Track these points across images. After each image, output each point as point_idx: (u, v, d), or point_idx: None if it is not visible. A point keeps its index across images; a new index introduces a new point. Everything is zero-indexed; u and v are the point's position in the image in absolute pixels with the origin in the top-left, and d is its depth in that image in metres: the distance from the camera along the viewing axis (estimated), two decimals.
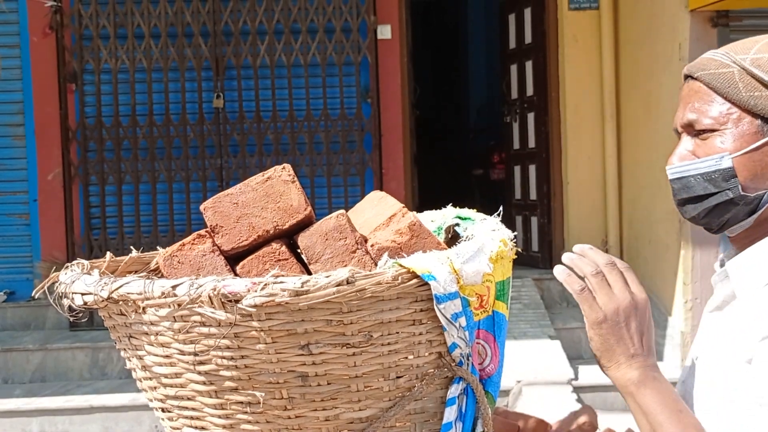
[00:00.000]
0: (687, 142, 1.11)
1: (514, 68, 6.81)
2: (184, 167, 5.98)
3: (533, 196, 6.55)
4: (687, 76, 1.14)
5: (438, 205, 1.29)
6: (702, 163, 1.07)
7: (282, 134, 5.98)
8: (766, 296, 1.01)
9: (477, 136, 9.57)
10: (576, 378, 4.81)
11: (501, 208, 1.09)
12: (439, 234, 1.17)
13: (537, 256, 6.44)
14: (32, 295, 1.01)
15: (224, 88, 5.98)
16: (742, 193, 1.04)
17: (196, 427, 0.91)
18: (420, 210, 1.22)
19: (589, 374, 4.95)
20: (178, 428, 0.94)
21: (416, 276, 0.84)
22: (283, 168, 0.97)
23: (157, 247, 1.07)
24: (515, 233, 1.07)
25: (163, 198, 6.00)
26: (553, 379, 4.73)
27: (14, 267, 6.07)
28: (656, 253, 5.42)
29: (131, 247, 1.19)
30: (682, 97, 1.14)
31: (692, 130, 1.10)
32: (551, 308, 5.81)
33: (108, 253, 1.10)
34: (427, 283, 0.85)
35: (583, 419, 1.18)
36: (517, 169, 6.80)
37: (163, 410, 0.95)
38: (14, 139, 6.08)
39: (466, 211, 1.18)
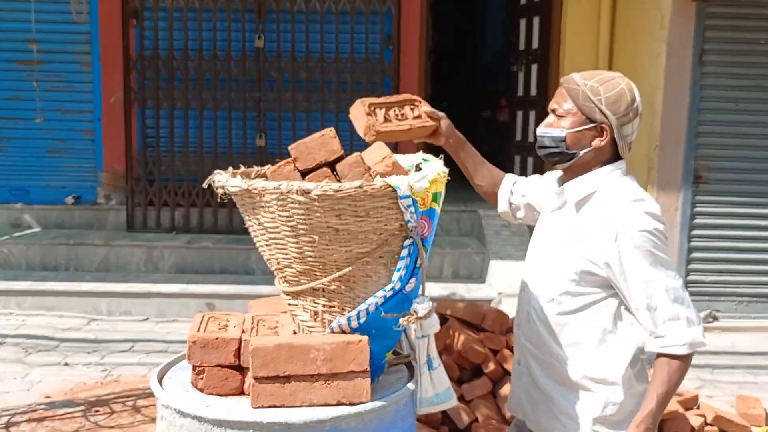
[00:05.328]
0: (550, 117, 2.06)
1: (523, 22, 7.54)
2: (227, 98, 6.90)
3: (531, 138, 7.39)
4: (560, 84, 2.08)
5: None
6: (552, 131, 2.02)
7: (313, 74, 6.84)
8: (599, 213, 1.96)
9: (490, 78, 10.34)
10: None
11: (442, 156, 2.04)
12: (412, 167, 2.13)
13: None
14: (202, 185, 1.96)
15: (265, 30, 6.83)
16: (566, 150, 2.00)
17: (283, 253, 1.89)
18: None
19: None
20: (273, 254, 1.92)
21: (390, 186, 1.80)
22: (330, 130, 1.92)
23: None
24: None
25: (209, 123, 6.94)
26: None
27: (81, 176, 7.14)
28: None
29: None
30: (555, 94, 2.08)
31: (554, 112, 2.05)
32: None
33: (230, 168, 2.06)
34: (395, 190, 1.80)
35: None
36: (519, 114, 7.61)
37: (266, 246, 1.93)
38: (82, 66, 7.02)
39: (427, 156, 2.13)
